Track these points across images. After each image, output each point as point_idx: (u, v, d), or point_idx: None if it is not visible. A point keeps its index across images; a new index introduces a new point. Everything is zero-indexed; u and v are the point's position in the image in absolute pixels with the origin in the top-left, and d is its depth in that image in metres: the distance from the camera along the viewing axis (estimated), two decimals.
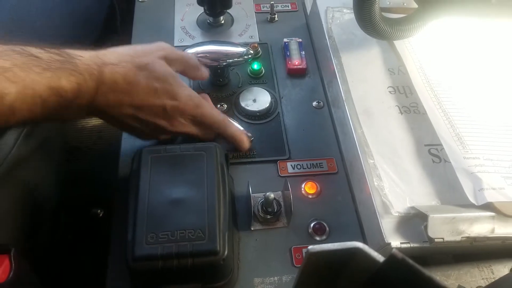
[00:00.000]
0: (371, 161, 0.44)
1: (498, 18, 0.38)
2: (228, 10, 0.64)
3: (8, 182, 0.46)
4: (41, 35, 0.51)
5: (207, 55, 0.54)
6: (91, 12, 0.62)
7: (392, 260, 0.20)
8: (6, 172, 0.45)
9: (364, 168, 0.44)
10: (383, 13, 0.49)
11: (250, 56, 0.55)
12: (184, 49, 0.54)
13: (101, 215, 0.93)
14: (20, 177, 0.49)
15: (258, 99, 0.56)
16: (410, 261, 0.20)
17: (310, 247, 0.23)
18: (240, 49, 0.55)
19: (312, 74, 0.60)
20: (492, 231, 0.39)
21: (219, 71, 0.57)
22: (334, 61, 0.54)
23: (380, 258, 0.22)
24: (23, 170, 0.49)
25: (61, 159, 0.68)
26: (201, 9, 0.65)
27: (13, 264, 0.32)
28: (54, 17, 0.54)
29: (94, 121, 1.11)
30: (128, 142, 0.52)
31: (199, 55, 0.54)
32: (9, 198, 0.47)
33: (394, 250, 0.20)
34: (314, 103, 0.57)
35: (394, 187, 0.43)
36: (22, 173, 0.49)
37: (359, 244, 0.22)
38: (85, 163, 0.98)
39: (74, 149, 1.01)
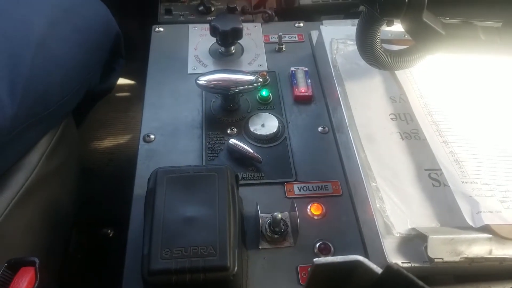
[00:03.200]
0: (374, 184, 0.47)
1: (488, 54, 0.41)
2: (238, 41, 0.69)
3: (31, 199, 0.49)
4: (60, 63, 0.56)
5: (219, 82, 0.57)
6: (102, 39, 0.68)
7: (389, 271, 0.23)
8: (29, 189, 0.48)
9: (367, 190, 0.46)
10: (384, 45, 0.52)
11: (259, 83, 0.58)
12: (198, 77, 0.58)
13: (111, 234, 0.95)
14: (42, 195, 0.52)
15: (266, 124, 0.59)
16: (405, 272, 0.22)
17: (315, 259, 0.25)
18: (250, 77, 0.58)
19: (318, 101, 0.63)
20: (490, 252, 0.41)
21: (230, 97, 0.60)
22: (338, 89, 0.57)
23: (378, 270, 0.24)
24: (44, 189, 0.52)
25: (76, 180, 0.71)
26: (213, 39, 0.69)
27: (38, 275, 0.35)
28: (72, 46, 0.59)
29: (106, 143, 1.15)
30: (144, 164, 0.55)
31: (211, 83, 0.58)
32: (31, 214, 0.50)
33: (390, 261, 0.22)
34: (320, 128, 0.60)
35: (396, 209, 0.45)
36: (43, 191, 0.52)
37: (359, 258, 0.25)
38: (96, 184, 1.01)
39: (86, 171, 1.04)
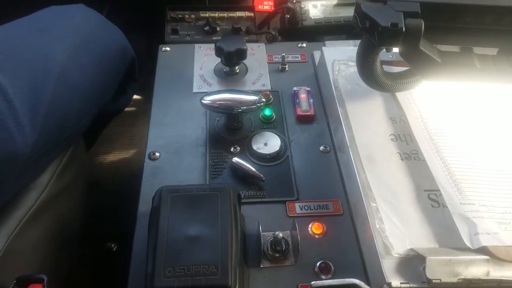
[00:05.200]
0: (374, 204, 0.48)
1: (483, 81, 0.42)
2: (243, 61, 0.70)
3: (41, 217, 0.50)
4: (79, 91, 0.59)
5: (223, 102, 0.59)
6: (118, 64, 0.70)
7: None
8: (40, 208, 0.50)
9: (367, 210, 0.47)
10: (385, 66, 0.54)
11: (262, 103, 0.60)
12: (203, 97, 0.60)
13: (114, 249, 0.96)
14: (51, 212, 0.53)
15: (269, 143, 0.60)
16: None
17: (313, 282, 0.26)
18: (253, 97, 0.60)
19: (320, 120, 0.65)
20: (487, 274, 0.41)
21: (233, 116, 0.61)
22: (339, 110, 0.58)
23: None
24: (54, 206, 0.54)
25: (83, 197, 0.72)
26: (218, 59, 0.70)
27: None
28: (90, 73, 0.61)
29: (112, 158, 1.17)
30: (148, 181, 0.56)
31: (216, 102, 0.59)
32: (41, 231, 0.51)
33: (388, 282, 0.23)
34: (321, 148, 0.61)
35: (395, 229, 0.46)
36: (53, 209, 0.54)
37: (355, 281, 0.26)
38: (101, 198, 1.02)
39: (92, 185, 1.05)
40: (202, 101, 0.59)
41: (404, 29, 0.37)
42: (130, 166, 1.11)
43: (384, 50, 0.48)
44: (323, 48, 0.68)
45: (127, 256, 0.50)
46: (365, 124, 0.57)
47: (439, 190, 0.48)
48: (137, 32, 1.27)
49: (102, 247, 0.96)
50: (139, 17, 1.23)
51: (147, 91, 0.76)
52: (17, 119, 0.48)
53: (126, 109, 1.27)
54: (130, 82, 0.78)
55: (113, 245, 0.96)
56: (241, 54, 0.67)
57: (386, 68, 0.55)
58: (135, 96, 1.28)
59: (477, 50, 0.47)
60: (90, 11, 0.69)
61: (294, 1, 0.79)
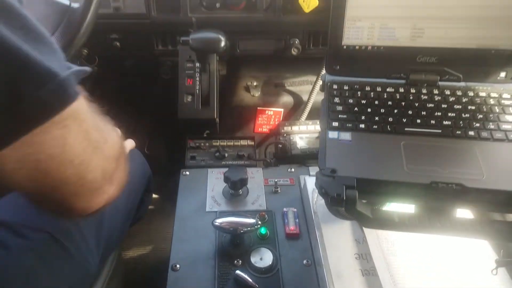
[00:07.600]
0: None
1: (403, 231, 0.61)
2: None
3: None
4: (120, 215, 0.81)
5: (229, 224, 0.78)
6: (141, 185, 0.92)
7: None
8: None
9: None
10: None
11: (258, 225, 0.78)
12: (214, 219, 0.78)
13: None
14: None
15: (263, 258, 0.77)
16: None
17: None
18: (252, 221, 0.78)
19: (304, 237, 0.83)
20: None
21: (237, 235, 0.80)
22: (317, 233, 0.77)
23: None
24: None
25: None
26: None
27: None
28: (125, 197, 0.82)
29: (131, 253, 1.32)
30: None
31: (223, 225, 0.78)
32: None
33: None
34: (304, 262, 0.78)
35: None
36: None
37: None
38: None
39: None
40: (214, 223, 0.78)
41: (344, 197, 0.57)
42: (148, 261, 1.27)
43: None
44: (306, 177, 0.89)
45: None
46: (336, 245, 0.75)
47: None
48: (160, 138, 1.50)
49: None
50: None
51: (165, 190, 0.94)
52: (90, 250, 0.68)
53: None
54: (147, 194, 0.99)
55: None
56: (243, 182, 0.88)
57: None
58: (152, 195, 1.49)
59: None
60: None
61: (285, 135, 1.02)
